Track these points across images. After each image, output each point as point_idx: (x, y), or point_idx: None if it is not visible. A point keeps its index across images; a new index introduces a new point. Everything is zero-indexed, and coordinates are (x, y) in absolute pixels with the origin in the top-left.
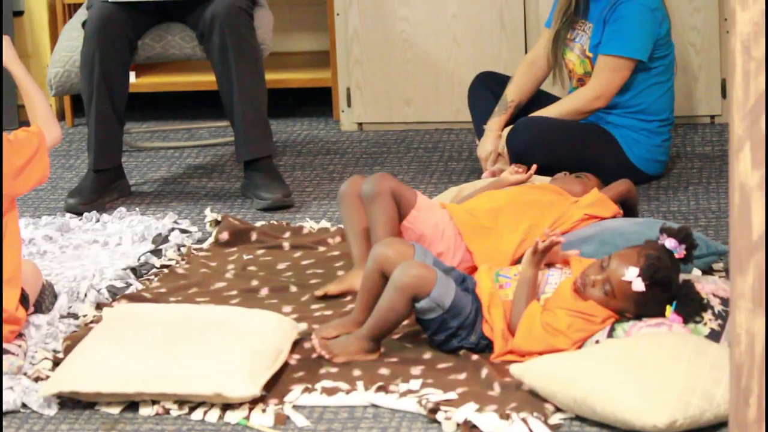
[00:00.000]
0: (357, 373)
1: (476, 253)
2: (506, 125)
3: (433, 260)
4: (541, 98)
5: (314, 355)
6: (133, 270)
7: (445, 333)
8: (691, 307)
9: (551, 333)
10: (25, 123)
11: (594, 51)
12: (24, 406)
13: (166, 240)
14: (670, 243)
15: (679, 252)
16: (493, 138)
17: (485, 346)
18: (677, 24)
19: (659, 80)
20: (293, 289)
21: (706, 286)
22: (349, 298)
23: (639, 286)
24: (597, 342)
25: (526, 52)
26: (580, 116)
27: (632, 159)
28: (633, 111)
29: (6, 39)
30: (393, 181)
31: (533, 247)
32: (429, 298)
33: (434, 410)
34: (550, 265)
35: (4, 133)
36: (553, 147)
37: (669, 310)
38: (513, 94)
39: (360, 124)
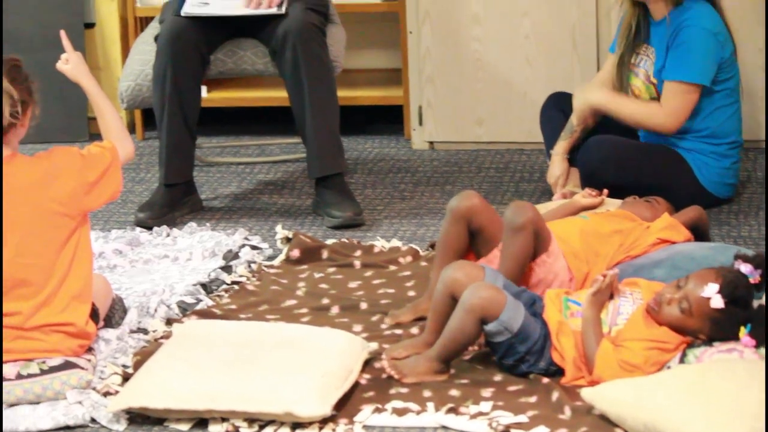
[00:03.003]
0: (427, 394)
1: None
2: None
3: (504, 282)
4: (608, 118)
5: (384, 375)
6: (204, 286)
7: (513, 357)
8: (766, 331)
9: (628, 370)
10: (96, 136)
11: (658, 76)
12: (93, 420)
13: (236, 256)
14: (745, 268)
15: (755, 277)
16: (560, 163)
17: (554, 372)
18: (744, 46)
19: (725, 103)
20: (364, 307)
21: None
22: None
23: (718, 302)
24: (668, 367)
25: (597, 70)
26: (643, 129)
27: (702, 182)
28: (701, 135)
29: (77, 54)
30: (537, 214)
31: (595, 288)
32: (498, 321)
33: None
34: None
35: (77, 148)
36: (624, 166)
37: (743, 331)
38: (579, 119)
39: (431, 143)
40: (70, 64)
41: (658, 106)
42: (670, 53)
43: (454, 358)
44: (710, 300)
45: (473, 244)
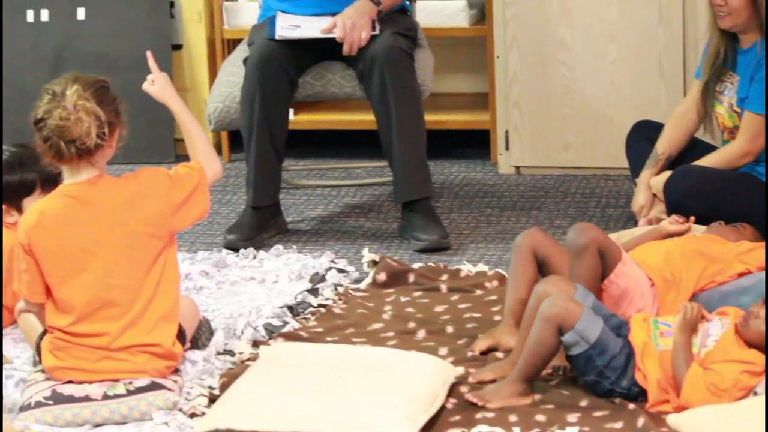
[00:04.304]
0: (513, 418)
1: (663, 304)
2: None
3: (594, 302)
4: (695, 146)
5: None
6: (290, 308)
7: (593, 372)
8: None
9: (716, 394)
10: (183, 157)
11: (741, 105)
12: None
13: (323, 279)
14: None
15: None
16: (645, 191)
17: (637, 393)
18: None
19: None
20: (450, 331)
21: None
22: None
23: None
24: (755, 393)
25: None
26: (730, 169)
27: None
28: None
29: (164, 75)
30: (600, 233)
31: (683, 315)
32: (574, 330)
33: None
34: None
35: (164, 168)
36: (709, 196)
37: None
38: (663, 147)
39: (517, 167)
40: (156, 85)
41: (731, 145)
42: (754, 84)
43: (537, 374)
44: None
45: (543, 275)
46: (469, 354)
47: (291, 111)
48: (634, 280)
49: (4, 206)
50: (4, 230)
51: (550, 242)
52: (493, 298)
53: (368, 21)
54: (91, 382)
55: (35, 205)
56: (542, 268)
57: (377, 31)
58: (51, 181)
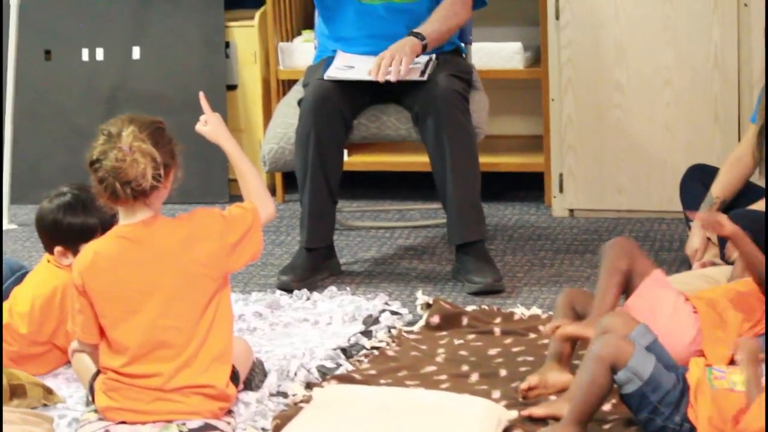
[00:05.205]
0: None
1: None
2: None
3: (653, 340)
4: (750, 191)
5: None
6: (344, 350)
7: (647, 409)
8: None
9: None
10: (236, 197)
11: None
12: None
13: (376, 321)
14: None
15: None
16: (699, 235)
17: (689, 430)
18: None
19: None
20: (503, 374)
21: None
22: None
23: None
24: None
25: (739, 141)
26: None
27: None
28: None
29: (216, 115)
30: (633, 245)
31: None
32: (627, 368)
33: None
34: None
35: (219, 209)
36: (763, 241)
37: None
38: (718, 191)
39: (572, 210)
40: (209, 125)
41: None
42: None
43: (589, 417)
44: None
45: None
46: (513, 385)
47: (345, 152)
48: (658, 300)
49: (60, 248)
50: (58, 271)
51: (637, 253)
52: (546, 341)
53: (409, 53)
54: (144, 423)
55: (90, 245)
56: (630, 280)
57: (425, 78)
58: (111, 227)
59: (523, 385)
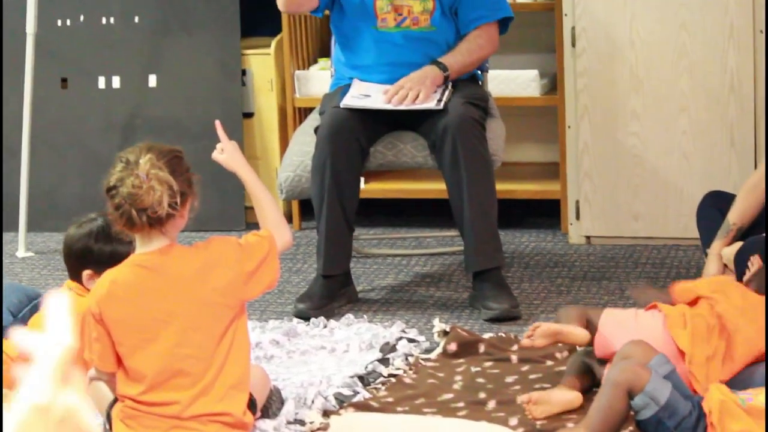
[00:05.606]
0: None
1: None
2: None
3: (672, 370)
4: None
5: None
6: (361, 378)
7: None
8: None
9: None
10: (253, 225)
11: None
12: None
13: (393, 349)
14: None
15: None
16: (716, 262)
17: None
18: None
19: None
20: (520, 401)
21: None
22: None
23: None
24: None
25: (755, 168)
26: None
27: None
28: None
29: (233, 143)
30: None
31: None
32: (643, 393)
33: None
34: None
35: (235, 237)
36: None
37: None
38: (735, 218)
39: (588, 237)
40: (225, 153)
41: None
42: None
43: None
44: None
45: None
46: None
47: (362, 180)
48: (620, 314)
49: (89, 272)
50: (81, 299)
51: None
52: (563, 368)
53: (429, 86)
54: None
55: (106, 274)
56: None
57: (441, 106)
58: None
59: (524, 398)
